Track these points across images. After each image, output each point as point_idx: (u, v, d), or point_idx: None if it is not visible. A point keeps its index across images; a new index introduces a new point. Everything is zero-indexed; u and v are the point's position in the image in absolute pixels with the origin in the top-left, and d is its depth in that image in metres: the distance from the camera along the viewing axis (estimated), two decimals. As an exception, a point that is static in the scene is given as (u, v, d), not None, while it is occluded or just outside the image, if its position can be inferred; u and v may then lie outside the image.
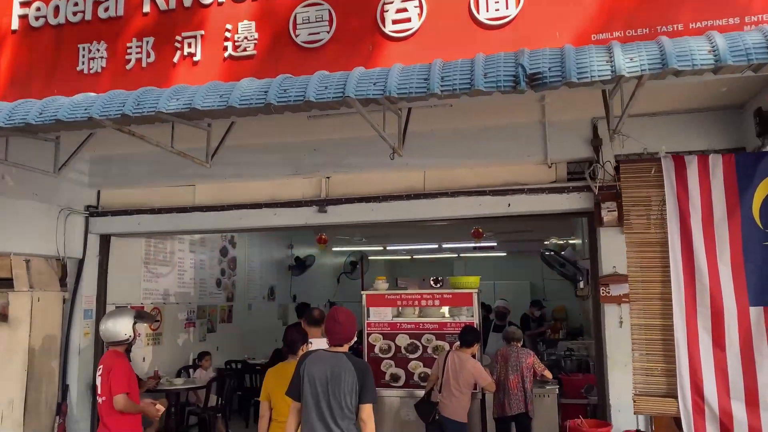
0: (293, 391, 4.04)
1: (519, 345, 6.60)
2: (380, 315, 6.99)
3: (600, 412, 6.60)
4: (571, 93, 5.59)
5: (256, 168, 7.39)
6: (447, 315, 6.98)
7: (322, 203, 7.28)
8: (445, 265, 17.37)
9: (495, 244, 14.03)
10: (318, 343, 5.71)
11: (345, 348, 4.17)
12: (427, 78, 3.28)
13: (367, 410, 3.99)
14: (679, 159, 4.02)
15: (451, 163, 6.90)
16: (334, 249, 15.41)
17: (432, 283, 7.22)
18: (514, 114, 6.50)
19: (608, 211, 6.37)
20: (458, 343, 6.27)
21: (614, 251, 6.38)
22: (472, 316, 6.86)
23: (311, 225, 7.58)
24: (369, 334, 7.00)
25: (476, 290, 6.87)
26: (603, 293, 6.29)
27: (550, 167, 6.81)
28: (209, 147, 5.27)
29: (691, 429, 3.82)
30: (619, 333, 6.28)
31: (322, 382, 3.93)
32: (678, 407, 3.86)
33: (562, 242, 9.36)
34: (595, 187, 6.42)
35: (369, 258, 16.30)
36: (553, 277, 16.39)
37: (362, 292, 7.20)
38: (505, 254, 16.54)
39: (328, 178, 7.39)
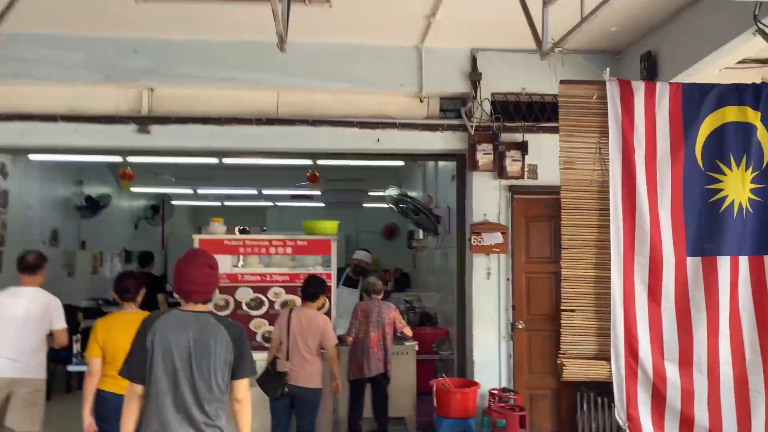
0: (136, 371, 2.75)
1: (380, 298, 5.84)
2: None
3: (459, 368, 6.17)
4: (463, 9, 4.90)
5: (48, 67, 5.54)
6: (300, 265, 5.95)
7: (144, 121, 5.70)
8: (258, 215, 16.08)
9: (320, 192, 13.15)
10: (29, 293, 4.43)
11: (208, 306, 3.00)
12: None
13: (243, 387, 2.90)
14: (625, 84, 3.46)
15: (312, 86, 5.78)
16: (134, 190, 13.29)
17: (237, 232, 6.08)
18: (391, 32, 5.59)
19: (484, 154, 5.84)
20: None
21: (486, 198, 5.90)
22: (329, 266, 5.92)
23: (128, 148, 5.98)
24: (201, 287, 5.70)
25: (335, 237, 5.93)
26: (474, 243, 5.78)
27: (422, 101, 6.05)
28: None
29: (623, 395, 3.36)
30: (487, 285, 5.87)
31: (182, 354, 2.73)
32: (610, 370, 3.35)
33: (395, 194, 8.73)
34: (471, 126, 5.84)
35: (172, 203, 14.47)
36: (364, 229, 16.24)
37: (195, 236, 5.82)
38: (323, 205, 15.77)
39: (152, 90, 5.81)
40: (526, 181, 5.87)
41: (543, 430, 5.80)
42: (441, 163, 7.87)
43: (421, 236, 9.05)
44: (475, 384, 5.55)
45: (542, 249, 5.99)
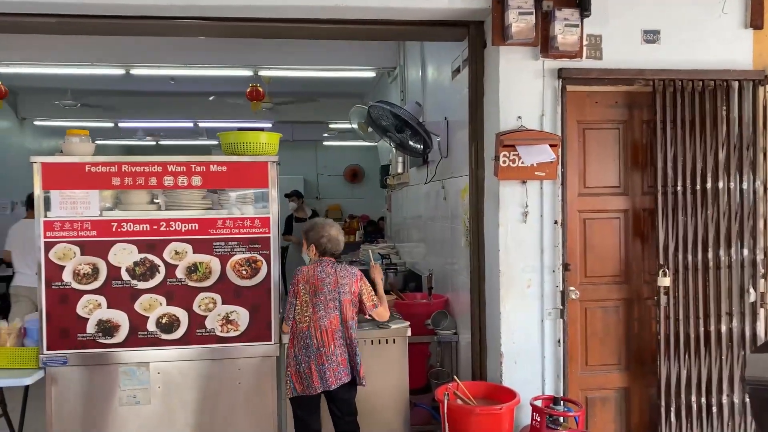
0: None
1: (333, 260, 3.51)
2: (74, 206, 3.39)
3: (475, 362, 4.02)
4: None
5: None
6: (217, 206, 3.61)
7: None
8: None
9: (270, 125, 10.66)
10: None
11: None
12: None
13: None
14: None
15: None
16: (37, 123, 10.59)
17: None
18: None
19: (520, 14, 3.52)
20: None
21: (522, 90, 3.65)
22: (266, 207, 3.61)
23: None
24: (50, 245, 3.37)
25: (275, 160, 3.62)
26: (504, 163, 3.54)
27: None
28: None
29: None
30: (521, 232, 3.68)
31: None
32: None
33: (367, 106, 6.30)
34: (499, -29, 3.52)
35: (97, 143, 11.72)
36: (326, 172, 13.99)
37: (35, 160, 3.44)
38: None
39: None
40: (585, 62, 3.63)
41: (607, 453, 3.74)
42: (432, 64, 5.55)
43: (399, 169, 6.78)
44: (511, 395, 3.41)
45: (606, 174, 3.81)
